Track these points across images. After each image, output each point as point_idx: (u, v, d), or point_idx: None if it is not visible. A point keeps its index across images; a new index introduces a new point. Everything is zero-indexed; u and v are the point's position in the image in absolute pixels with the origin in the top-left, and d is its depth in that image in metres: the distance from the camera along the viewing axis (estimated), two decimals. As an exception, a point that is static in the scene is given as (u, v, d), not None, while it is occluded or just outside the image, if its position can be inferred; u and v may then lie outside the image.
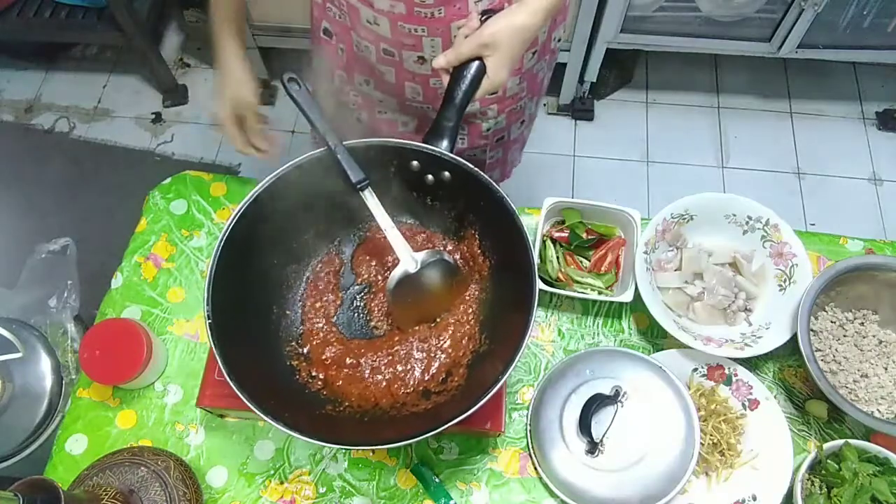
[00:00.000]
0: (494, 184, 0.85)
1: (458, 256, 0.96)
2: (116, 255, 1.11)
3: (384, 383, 0.89)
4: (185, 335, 1.05)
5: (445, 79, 0.86)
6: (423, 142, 0.87)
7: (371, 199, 0.85)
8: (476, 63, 0.83)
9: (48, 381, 1.15)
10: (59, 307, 1.28)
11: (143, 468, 0.85)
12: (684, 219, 1.07)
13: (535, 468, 0.95)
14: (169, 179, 1.17)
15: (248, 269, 0.87)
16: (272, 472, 0.96)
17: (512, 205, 0.84)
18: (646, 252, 1.03)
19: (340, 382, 0.89)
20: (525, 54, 1.03)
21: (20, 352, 1.11)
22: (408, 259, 0.87)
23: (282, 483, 0.95)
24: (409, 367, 0.90)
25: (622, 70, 2.30)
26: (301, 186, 0.87)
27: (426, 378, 0.90)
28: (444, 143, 0.86)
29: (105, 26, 2.07)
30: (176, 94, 2.31)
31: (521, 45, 0.84)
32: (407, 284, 0.87)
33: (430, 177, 0.90)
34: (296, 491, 0.95)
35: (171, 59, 2.38)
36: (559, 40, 1.10)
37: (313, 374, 0.90)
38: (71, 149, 2.24)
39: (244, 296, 0.86)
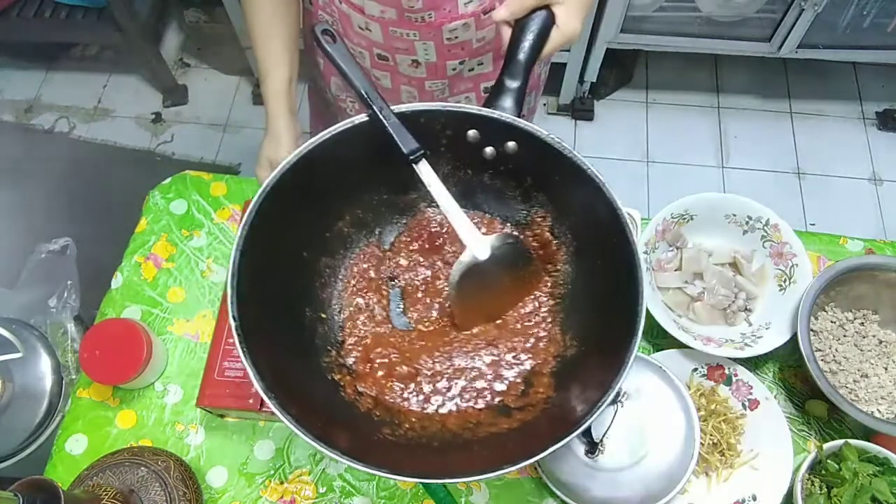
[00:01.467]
0: (577, 154, 0.70)
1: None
2: (116, 255, 1.11)
3: (446, 400, 0.75)
4: (185, 335, 1.05)
5: (507, 33, 0.75)
6: (484, 106, 0.73)
7: (427, 174, 0.71)
8: (543, 12, 0.73)
9: (48, 381, 1.15)
10: (59, 307, 1.28)
11: (143, 468, 0.85)
12: (684, 219, 1.07)
13: (535, 468, 0.95)
14: (169, 179, 1.17)
15: (274, 263, 0.73)
16: (272, 472, 0.96)
17: (600, 176, 0.69)
18: (646, 252, 1.03)
19: (394, 399, 0.75)
20: None
21: (20, 352, 1.11)
22: (476, 244, 0.72)
23: (282, 483, 0.95)
24: (473, 378, 0.76)
25: (622, 70, 2.30)
26: (334, 163, 0.73)
27: (498, 390, 0.76)
28: (508, 105, 0.72)
29: (105, 26, 2.07)
30: (176, 94, 2.31)
31: None
32: (474, 276, 0.73)
33: (489, 149, 0.75)
34: (296, 491, 0.95)
35: (171, 59, 2.38)
36: None
37: (360, 389, 0.75)
38: (71, 149, 2.24)
39: (272, 294, 0.72)
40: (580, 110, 2.26)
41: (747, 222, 1.06)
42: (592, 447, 0.92)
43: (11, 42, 2.33)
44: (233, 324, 0.63)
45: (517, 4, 0.73)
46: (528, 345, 0.78)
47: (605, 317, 0.71)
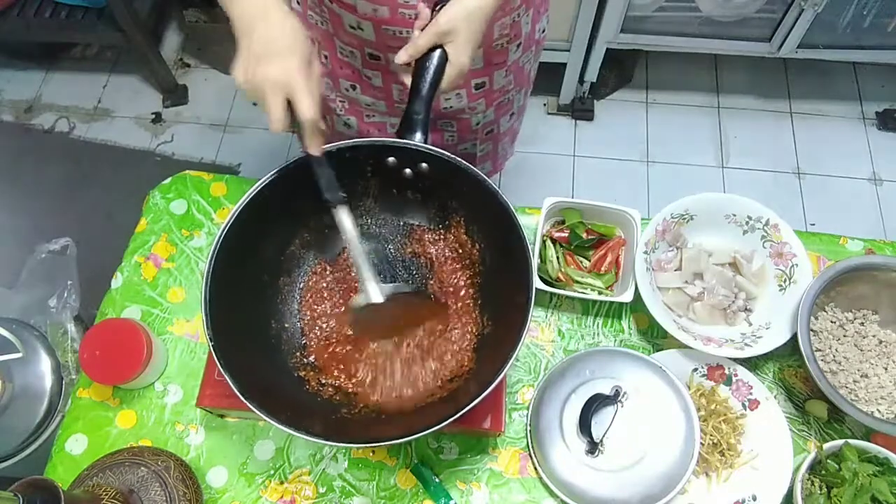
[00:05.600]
0: (471, 166, 0.84)
1: (445, 245, 0.96)
2: (116, 255, 1.11)
3: (397, 383, 0.89)
4: (185, 335, 1.05)
5: (407, 77, 0.85)
6: (396, 136, 0.86)
7: (343, 220, 0.82)
8: (437, 52, 0.82)
9: (48, 381, 1.15)
10: (59, 307, 1.28)
11: (143, 468, 0.85)
12: (684, 219, 1.07)
13: (535, 468, 0.95)
14: (169, 179, 1.17)
15: (240, 288, 0.87)
16: (272, 472, 0.96)
17: (493, 185, 0.84)
18: (646, 252, 1.03)
19: (352, 388, 0.89)
20: (510, 47, 1.03)
21: (20, 352, 1.11)
22: (372, 292, 0.83)
23: (282, 483, 0.95)
24: (418, 364, 0.90)
25: (622, 70, 2.30)
26: (280, 197, 0.86)
27: (434, 368, 0.90)
28: (417, 136, 0.85)
29: (105, 26, 2.07)
30: (176, 94, 2.31)
31: (479, 26, 0.83)
32: (372, 311, 0.84)
33: (407, 170, 0.90)
34: (296, 491, 0.95)
35: (171, 59, 2.38)
36: (544, 31, 1.11)
37: (322, 381, 0.89)
38: (71, 149, 2.24)
39: (241, 314, 0.86)
40: (580, 110, 2.26)
41: (747, 222, 1.06)
42: (592, 447, 0.92)
43: (11, 42, 2.33)
44: (210, 345, 0.77)
45: (413, 48, 0.83)
46: (458, 329, 0.92)
47: (508, 302, 0.84)
